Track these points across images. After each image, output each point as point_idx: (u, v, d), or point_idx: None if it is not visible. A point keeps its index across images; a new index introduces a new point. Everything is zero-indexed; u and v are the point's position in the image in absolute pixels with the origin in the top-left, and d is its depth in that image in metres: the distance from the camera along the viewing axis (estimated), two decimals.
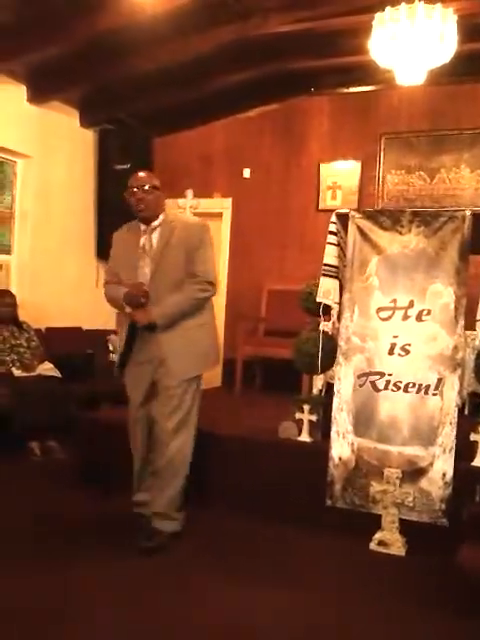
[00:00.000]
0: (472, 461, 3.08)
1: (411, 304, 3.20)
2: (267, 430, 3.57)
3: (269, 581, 2.61)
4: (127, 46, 4.56)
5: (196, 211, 6.05)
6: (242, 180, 5.88)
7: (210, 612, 2.33)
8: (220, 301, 6.00)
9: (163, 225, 2.97)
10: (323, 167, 5.56)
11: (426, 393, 3.12)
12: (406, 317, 3.20)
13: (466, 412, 4.22)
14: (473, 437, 3.10)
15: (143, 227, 2.99)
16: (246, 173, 5.86)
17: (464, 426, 3.12)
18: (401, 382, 3.16)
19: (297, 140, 5.74)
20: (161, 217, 3.00)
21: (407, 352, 3.18)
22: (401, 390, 3.16)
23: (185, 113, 5.83)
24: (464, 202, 4.80)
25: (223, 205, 6.00)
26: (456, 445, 3.03)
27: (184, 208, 6.08)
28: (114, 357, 3.50)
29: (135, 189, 2.92)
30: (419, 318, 3.18)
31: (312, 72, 5.36)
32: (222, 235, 6.04)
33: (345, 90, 5.51)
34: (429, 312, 3.16)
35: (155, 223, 2.98)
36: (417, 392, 3.13)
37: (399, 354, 3.19)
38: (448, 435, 3.04)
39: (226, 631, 2.21)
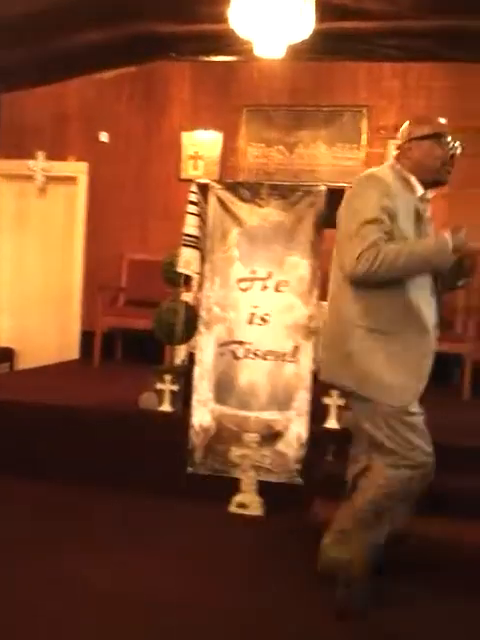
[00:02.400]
0: (324, 423, 3.28)
1: (270, 275, 3.30)
2: (127, 401, 3.53)
3: (133, 549, 2.61)
4: None
5: (49, 174, 5.73)
6: (99, 144, 5.63)
7: (72, 580, 2.29)
8: (76, 270, 5.77)
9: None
10: (185, 136, 5.49)
11: (283, 360, 3.25)
12: (265, 288, 3.30)
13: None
14: (325, 400, 3.29)
15: (420, 192, 2.25)
16: (103, 137, 5.62)
17: (318, 391, 3.30)
18: (260, 350, 3.27)
19: (158, 106, 5.61)
20: None
21: (265, 321, 3.28)
22: (259, 358, 3.26)
23: (36, 69, 5.42)
24: (321, 177, 4.99)
25: (78, 169, 5.73)
26: (310, 408, 3.20)
27: (34, 171, 5.72)
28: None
29: (452, 142, 2.25)
30: (277, 289, 3.29)
31: (173, 36, 5.21)
32: (77, 201, 5.78)
33: (206, 58, 5.45)
34: (286, 283, 3.28)
35: (431, 194, 2.32)
36: (275, 360, 3.26)
37: (258, 323, 3.29)
38: (303, 399, 3.20)
39: (92, 599, 2.19)
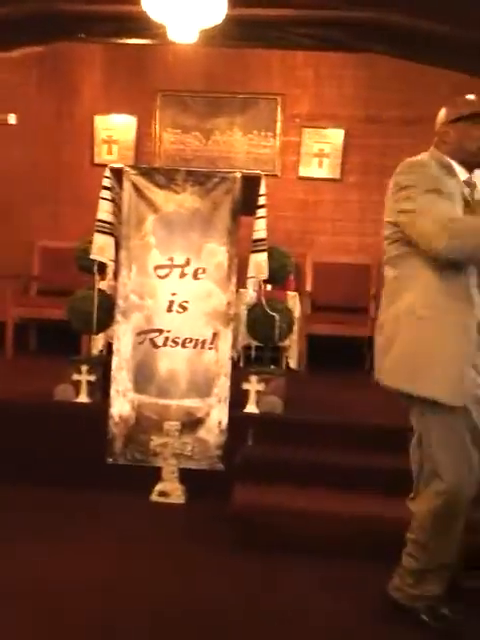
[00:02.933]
0: (244, 408, 3.31)
1: (187, 262, 3.28)
2: (42, 394, 3.42)
3: (53, 541, 2.56)
4: None
5: None
6: (7, 126, 5.37)
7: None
8: None
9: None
10: (98, 119, 5.34)
11: (202, 347, 3.25)
12: (183, 275, 3.28)
13: (241, 364, 4.52)
14: (245, 386, 3.33)
15: (465, 176, 2.10)
16: (11, 119, 5.36)
17: (238, 377, 3.33)
18: (179, 338, 3.25)
19: (69, 88, 5.42)
20: None
21: (184, 309, 3.26)
22: (179, 345, 3.25)
23: None
24: (237, 165, 5.00)
25: None
26: (230, 395, 3.22)
27: None
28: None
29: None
30: (195, 276, 3.28)
31: (82, 16, 5.04)
32: None
33: (118, 40, 5.31)
34: (204, 270, 3.27)
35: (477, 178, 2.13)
36: (194, 347, 3.25)
37: (177, 311, 3.27)
38: (223, 386, 3.22)
39: (11, 590, 2.14)
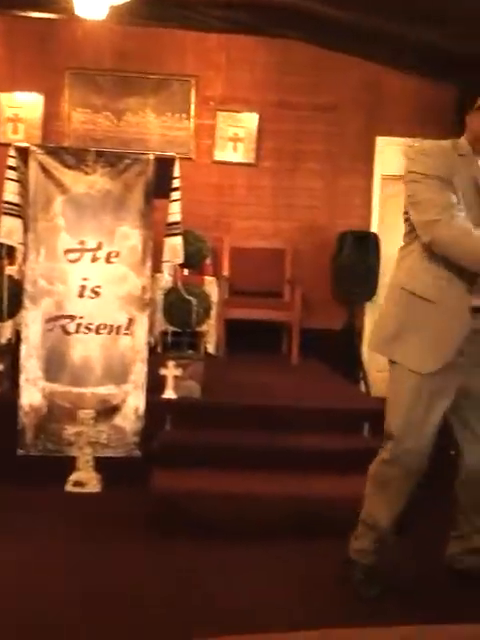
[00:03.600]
0: (162, 394, 3.27)
1: (100, 246, 3.19)
2: None
3: None
4: None
5: None
6: None
7: None
8: None
9: None
10: (2, 96, 5.06)
11: (118, 333, 3.18)
12: (95, 259, 3.19)
13: (159, 350, 4.46)
14: (162, 371, 3.29)
15: (477, 159, 2.10)
16: None
17: (155, 363, 3.29)
18: (92, 324, 3.16)
19: None
20: None
21: (97, 294, 3.18)
22: (93, 332, 3.16)
23: None
24: (151, 147, 4.88)
25: None
26: (148, 380, 3.18)
27: None
28: None
29: None
30: (108, 260, 3.20)
31: None
32: None
33: (22, 13, 5.04)
34: (118, 254, 3.20)
35: None
36: (109, 333, 3.17)
37: (89, 296, 3.18)
38: (139, 372, 3.16)
39: None
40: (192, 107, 5.14)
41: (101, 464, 3.02)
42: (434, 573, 2.28)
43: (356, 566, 2.16)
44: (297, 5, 4.41)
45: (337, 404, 3.44)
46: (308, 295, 4.77)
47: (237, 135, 5.17)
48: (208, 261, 4.79)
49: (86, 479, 2.96)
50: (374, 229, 5.17)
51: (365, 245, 4.93)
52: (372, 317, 5.18)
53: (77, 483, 2.95)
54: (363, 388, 4.77)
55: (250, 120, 5.17)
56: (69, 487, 2.95)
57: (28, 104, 5.08)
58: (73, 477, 2.96)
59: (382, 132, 5.11)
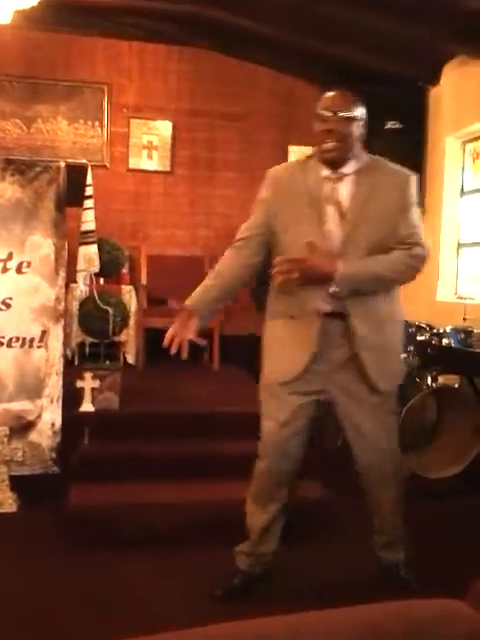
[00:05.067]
0: (80, 407, 3.20)
1: (10, 256, 3.08)
2: None
3: None
4: None
5: None
6: None
7: None
8: None
9: (361, 173, 2.08)
10: None
11: (31, 346, 3.08)
12: (6, 270, 3.08)
13: (76, 362, 4.35)
14: (79, 384, 3.21)
15: (326, 172, 2.08)
16: None
17: (72, 375, 3.21)
18: (4, 337, 3.05)
19: None
20: (356, 162, 2.09)
21: (8, 306, 3.07)
22: (4, 345, 3.05)
23: None
24: (63, 154, 4.79)
25: None
26: (64, 394, 3.10)
27: None
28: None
29: (328, 114, 2.03)
30: (19, 270, 3.09)
31: None
32: None
33: None
34: (29, 264, 3.10)
35: (346, 169, 2.08)
36: (22, 346, 3.07)
37: (0, 308, 3.06)
38: (55, 385, 3.08)
39: None
40: (105, 115, 5.09)
41: (17, 482, 2.91)
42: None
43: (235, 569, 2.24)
44: (206, 15, 4.47)
45: (255, 409, 3.47)
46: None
47: (151, 143, 5.16)
48: (125, 270, 4.75)
49: (1, 499, 2.85)
50: None
51: None
52: None
53: None
54: None
55: (164, 128, 5.17)
56: None
57: None
58: None
59: (295, 141, 5.25)
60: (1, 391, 3.01)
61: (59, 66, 5.04)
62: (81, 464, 2.90)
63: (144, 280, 4.85)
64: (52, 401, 3.06)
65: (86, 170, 3.26)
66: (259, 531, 2.19)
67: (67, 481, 2.84)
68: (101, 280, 3.98)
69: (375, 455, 2.17)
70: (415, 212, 2.11)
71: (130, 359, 4.67)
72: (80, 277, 3.44)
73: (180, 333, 2.11)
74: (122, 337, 4.38)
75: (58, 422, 3.05)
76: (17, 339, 3.06)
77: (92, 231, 3.33)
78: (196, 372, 4.59)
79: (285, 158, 5.33)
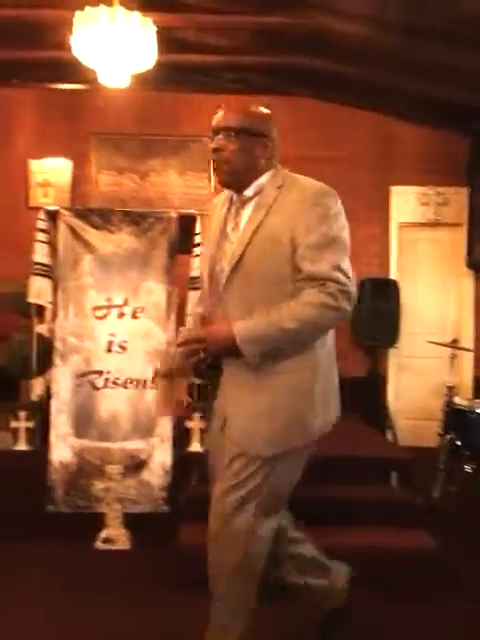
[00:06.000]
0: (188, 447, 3.29)
1: (126, 302, 3.28)
2: None
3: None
4: None
5: None
6: None
7: None
8: None
9: (264, 194, 1.80)
10: (33, 163, 5.32)
11: (144, 387, 3.23)
12: (122, 315, 3.28)
13: (185, 403, 4.49)
14: (189, 425, 3.31)
15: (234, 197, 1.86)
16: None
17: (182, 416, 3.31)
18: (120, 379, 3.22)
19: (2, 133, 5.39)
20: (261, 182, 1.82)
21: (124, 349, 3.25)
22: (120, 386, 3.22)
23: None
24: (173, 204, 5.06)
25: None
26: (175, 434, 3.20)
27: None
28: None
29: (215, 134, 1.81)
30: (134, 315, 3.28)
31: (16, 63, 5.07)
32: None
33: (52, 85, 5.35)
34: (143, 309, 3.28)
35: (248, 192, 1.82)
36: (136, 387, 3.23)
37: (117, 351, 3.25)
38: (165, 426, 3.19)
39: None
40: (212, 166, 5.33)
41: (130, 520, 3.02)
42: None
43: None
44: (305, 65, 4.62)
45: (363, 453, 3.40)
46: None
47: None
48: None
49: (115, 536, 2.96)
50: (393, 276, 5.22)
51: (385, 292, 4.98)
52: (395, 364, 5.16)
53: (106, 540, 2.95)
54: (390, 437, 4.72)
55: None
56: (99, 544, 2.95)
57: (57, 169, 5.32)
58: (103, 534, 2.96)
59: (396, 182, 5.22)
60: (117, 430, 3.17)
61: (168, 122, 5.37)
62: (189, 504, 2.95)
63: None
64: (163, 441, 3.17)
65: (195, 219, 3.43)
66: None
67: (176, 521, 2.90)
68: None
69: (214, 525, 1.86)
70: (325, 236, 1.71)
71: None
72: (189, 321, 3.58)
73: None
74: None
75: (168, 462, 3.15)
76: (132, 381, 3.22)
77: (198, 277, 3.47)
78: None
79: (387, 200, 5.32)
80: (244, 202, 1.82)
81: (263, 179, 1.81)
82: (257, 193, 1.80)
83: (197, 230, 3.42)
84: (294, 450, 1.81)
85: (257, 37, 4.55)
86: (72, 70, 4.84)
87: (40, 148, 5.35)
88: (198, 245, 3.44)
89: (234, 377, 1.80)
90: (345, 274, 1.71)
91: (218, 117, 1.81)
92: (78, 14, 3.75)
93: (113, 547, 2.95)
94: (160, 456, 3.16)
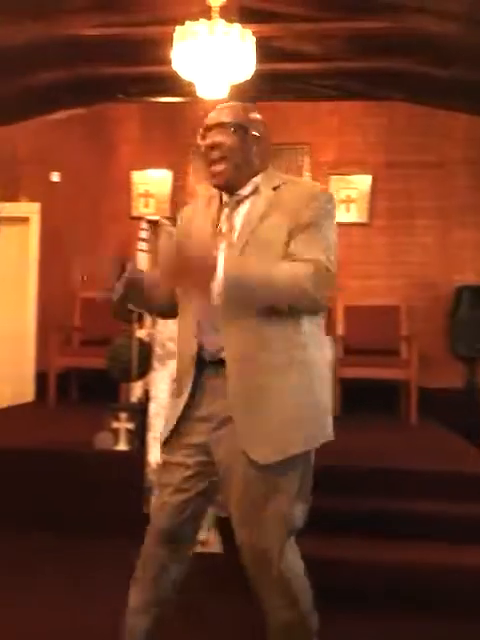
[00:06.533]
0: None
1: None
2: (82, 442, 3.51)
3: (89, 590, 2.59)
4: None
5: (1, 215, 5.73)
6: (51, 184, 5.68)
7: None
8: (30, 310, 5.74)
9: (260, 193, 1.77)
10: (135, 174, 5.59)
11: None
12: None
13: None
14: None
15: (225, 197, 1.81)
16: (55, 177, 5.67)
17: None
18: None
19: (107, 146, 5.70)
20: (256, 181, 1.79)
21: None
22: None
23: None
24: None
25: (30, 209, 5.74)
26: None
27: None
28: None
29: (212, 124, 1.77)
30: None
31: (120, 78, 5.36)
32: (31, 241, 5.78)
33: (153, 99, 5.60)
34: None
35: (243, 191, 1.79)
36: None
37: None
38: None
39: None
40: (306, 173, 5.37)
41: (223, 524, 3.08)
42: None
43: None
44: (400, 68, 4.55)
45: (459, 468, 3.31)
46: (424, 352, 4.69)
47: (350, 197, 5.31)
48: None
49: (207, 539, 3.03)
50: None
51: None
52: None
53: (201, 543, 3.03)
54: None
55: (362, 181, 5.29)
56: None
57: (158, 180, 5.56)
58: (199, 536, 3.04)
59: None
60: None
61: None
62: None
63: (340, 330, 4.93)
64: None
65: None
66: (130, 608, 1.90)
67: None
68: None
69: (246, 552, 1.71)
70: (317, 233, 1.68)
71: None
72: None
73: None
74: None
75: None
76: None
77: None
78: (391, 425, 4.50)
79: None
80: (238, 201, 1.78)
81: (257, 179, 1.79)
82: (252, 193, 1.78)
83: None
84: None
85: (352, 43, 4.54)
86: (172, 84, 5.05)
87: (142, 160, 5.61)
88: None
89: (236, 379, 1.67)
90: (332, 264, 1.68)
91: (213, 115, 1.79)
92: (178, 29, 3.89)
93: (205, 550, 2.99)
94: None
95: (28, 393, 5.56)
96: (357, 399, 4.52)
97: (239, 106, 1.82)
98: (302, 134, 5.43)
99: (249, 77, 4.23)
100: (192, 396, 1.75)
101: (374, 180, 5.27)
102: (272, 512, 1.69)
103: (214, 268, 1.60)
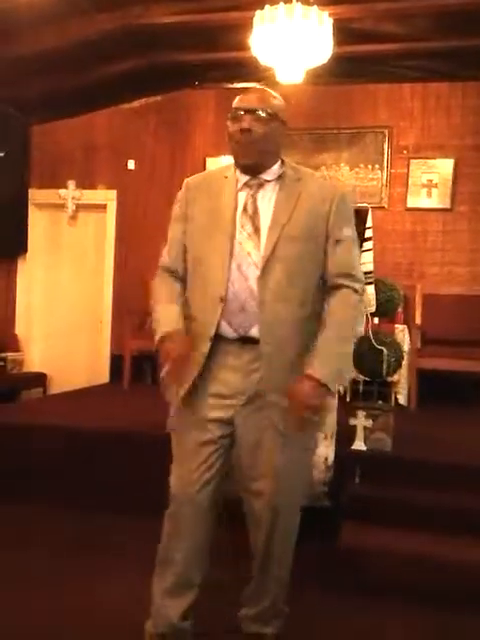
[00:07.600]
0: (351, 445, 3.26)
1: None
2: (156, 424, 3.54)
3: None
4: (5, 29, 4.32)
5: (79, 203, 5.91)
6: (127, 172, 5.78)
7: (106, 612, 2.31)
8: (106, 295, 5.89)
9: (283, 180, 1.83)
10: (210, 162, 5.60)
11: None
12: None
13: (348, 399, 4.45)
14: (352, 422, 3.28)
15: (244, 178, 1.84)
16: (131, 165, 5.77)
17: (345, 412, 3.29)
18: None
19: (182, 133, 5.74)
20: (277, 167, 1.85)
21: None
22: None
23: (66, 101, 5.63)
24: None
25: (107, 197, 5.88)
26: (337, 430, 3.19)
27: (65, 199, 5.90)
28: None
29: (241, 112, 1.80)
30: None
31: (196, 65, 5.36)
32: (108, 228, 5.92)
33: (229, 85, 5.57)
34: None
35: (266, 176, 1.83)
36: None
37: None
38: (330, 421, 3.18)
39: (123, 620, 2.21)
40: (385, 157, 5.20)
41: None
42: None
43: None
44: None
45: None
46: None
47: (431, 181, 5.10)
48: (400, 309, 4.72)
49: None
50: None
51: None
52: None
53: None
54: None
55: (444, 166, 5.07)
56: None
57: None
58: None
59: None
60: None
61: (342, 115, 5.33)
62: (351, 503, 2.94)
63: (418, 319, 4.76)
64: (326, 437, 3.17)
65: (367, 213, 3.35)
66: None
67: (337, 517, 2.89)
68: (375, 319, 4.02)
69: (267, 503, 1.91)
70: (351, 236, 1.82)
71: (401, 400, 4.59)
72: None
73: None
74: (395, 377, 4.34)
75: (331, 457, 3.14)
76: None
77: (370, 272, 3.39)
78: (471, 419, 4.31)
79: None
80: (261, 184, 1.83)
81: (276, 166, 1.85)
82: (275, 179, 1.83)
83: (368, 223, 3.35)
84: None
85: (438, 21, 4.33)
86: (249, 69, 5.01)
87: (217, 147, 5.61)
88: (369, 239, 3.37)
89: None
90: (362, 279, 1.87)
91: (249, 98, 1.83)
92: (258, 13, 3.87)
93: None
94: (323, 451, 3.16)
95: (104, 375, 5.72)
96: (434, 391, 4.35)
97: (268, 93, 1.86)
98: (381, 117, 5.26)
99: (326, 60, 4.13)
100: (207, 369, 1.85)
101: (457, 164, 5.03)
102: (296, 468, 1.91)
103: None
